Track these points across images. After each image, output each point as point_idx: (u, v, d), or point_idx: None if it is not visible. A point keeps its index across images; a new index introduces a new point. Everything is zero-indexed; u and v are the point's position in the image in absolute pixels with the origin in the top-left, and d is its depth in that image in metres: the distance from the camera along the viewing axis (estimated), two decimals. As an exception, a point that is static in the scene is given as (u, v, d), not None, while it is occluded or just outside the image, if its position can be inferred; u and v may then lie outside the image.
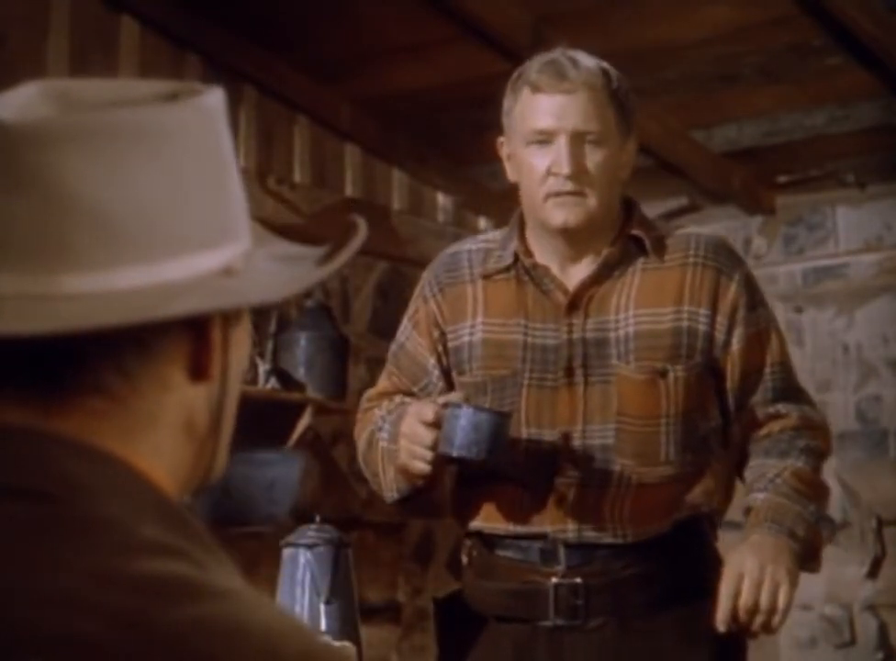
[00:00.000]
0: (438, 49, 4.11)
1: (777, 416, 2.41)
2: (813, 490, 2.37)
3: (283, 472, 3.93)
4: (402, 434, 2.29)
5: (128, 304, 0.93)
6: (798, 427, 2.41)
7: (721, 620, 2.21)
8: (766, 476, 2.35)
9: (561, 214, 2.31)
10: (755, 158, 4.66)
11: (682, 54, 4.06)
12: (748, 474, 2.41)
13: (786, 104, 4.33)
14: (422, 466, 2.27)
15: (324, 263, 1.04)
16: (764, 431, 2.41)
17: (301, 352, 4.19)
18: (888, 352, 4.72)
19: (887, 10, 3.76)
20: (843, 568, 4.62)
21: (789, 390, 2.44)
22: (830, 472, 4.76)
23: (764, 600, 2.21)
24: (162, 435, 0.99)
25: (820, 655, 4.69)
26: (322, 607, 2.26)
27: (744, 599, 2.21)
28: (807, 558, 2.31)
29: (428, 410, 2.24)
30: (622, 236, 2.39)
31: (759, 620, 2.22)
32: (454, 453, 2.22)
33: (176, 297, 0.94)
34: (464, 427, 2.20)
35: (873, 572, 4.64)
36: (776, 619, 2.23)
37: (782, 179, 4.82)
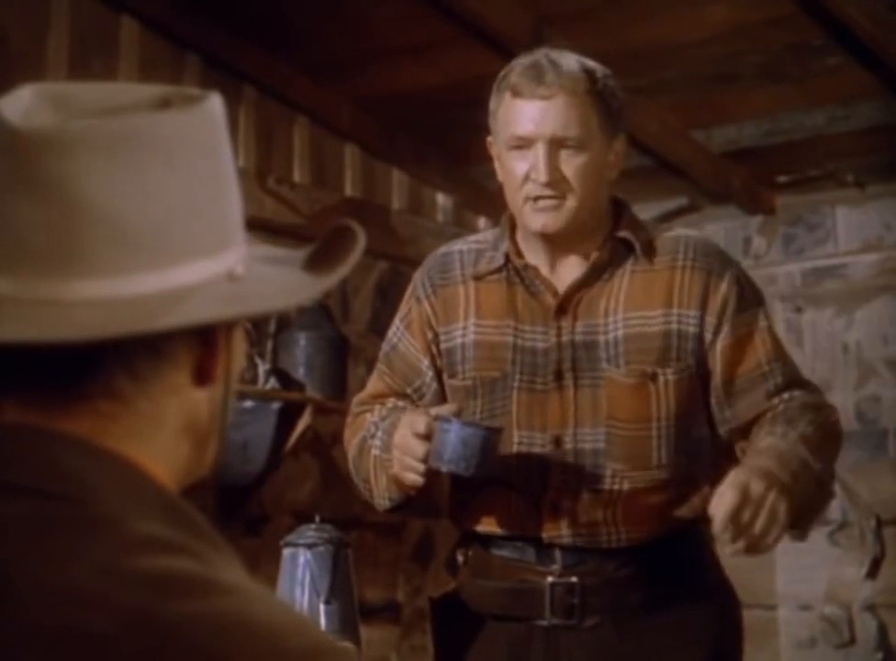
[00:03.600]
0: (438, 49, 4.12)
1: (782, 400, 2.33)
2: (821, 454, 2.26)
3: (255, 430, 3.94)
4: (395, 445, 2.28)
5: (142, 310, 0.94)
6: (807, 404, 2.33)
7: (718, 526, 2.10)
8: (773, 434, 2.25)
9: (539, 219, 2.30)
10: (754, 158, 4.66)
11: (682, 54, 4.06)
12: (750, 444, 2.31)
13: (786, 104, 4.33)
14: (415, 478, 2.26)
15: (314, 267, 1.04)
16: (768, 415, 2.32)
17: (301, 352, 4.19)
18: (887, 352, 4.72)
19: (887, 10, 3.76)
20: (842, 568, 4.62)
21: (794, 384, 2.37)
22: (830, 472, 4.81)
23: (759, 524, 2.10)
24: (166, 436, 1.00)
25: (819, 655, 4.69)
26: (322, 607, 2.26)
27: (744, 518, 2.09)
28: (801, 516, 2.20)
29: (420, 422, 2.23)
30: (611, 238, 2.36)
31: (747, 541, 2.11)
32: (444, 468, 2.21)
33: (187, 304, 0.95)
34: (454, 442, 2.19)
35: (872, 572, 4.63)
36: (764, 543, 2.12)
37: (782, 179, 4.82)
